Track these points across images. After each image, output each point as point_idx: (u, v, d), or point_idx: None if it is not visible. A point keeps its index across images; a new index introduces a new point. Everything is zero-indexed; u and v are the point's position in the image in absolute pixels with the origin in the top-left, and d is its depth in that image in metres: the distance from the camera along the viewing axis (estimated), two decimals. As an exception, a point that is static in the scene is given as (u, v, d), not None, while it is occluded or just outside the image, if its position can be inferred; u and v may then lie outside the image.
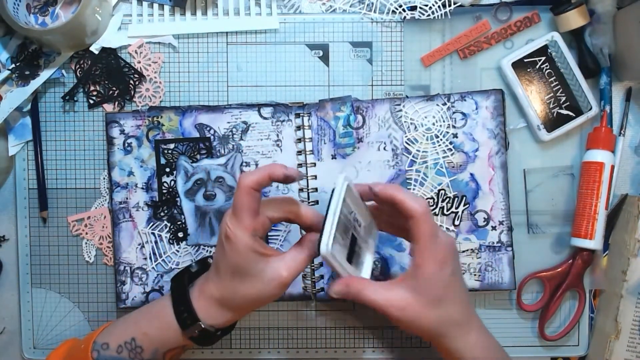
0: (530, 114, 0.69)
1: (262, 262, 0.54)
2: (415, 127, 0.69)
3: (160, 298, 0.61)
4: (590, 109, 0.68)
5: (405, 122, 0.68)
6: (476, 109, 0.68)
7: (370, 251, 0.60)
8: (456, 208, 0.68)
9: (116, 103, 0.70)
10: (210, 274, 0.58)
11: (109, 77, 0.70)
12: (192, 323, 0.56)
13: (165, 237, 0.70)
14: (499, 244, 0.68)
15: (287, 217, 0.57)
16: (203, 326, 0.56)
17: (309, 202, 0.69)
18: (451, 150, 0.68)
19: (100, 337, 0.59)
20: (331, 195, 0.53)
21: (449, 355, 0.57)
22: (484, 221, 0.68)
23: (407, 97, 0.69)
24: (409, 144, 0.69)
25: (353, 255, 0.57)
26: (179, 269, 0.69)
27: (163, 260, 0.70)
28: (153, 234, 0.69)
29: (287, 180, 0.54)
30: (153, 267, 0.69)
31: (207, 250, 0.69)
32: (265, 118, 0.69)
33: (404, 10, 0.69)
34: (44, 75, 0.69)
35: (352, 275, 0.56)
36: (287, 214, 0.57)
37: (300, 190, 0.69)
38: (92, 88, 0.70)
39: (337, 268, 0.54)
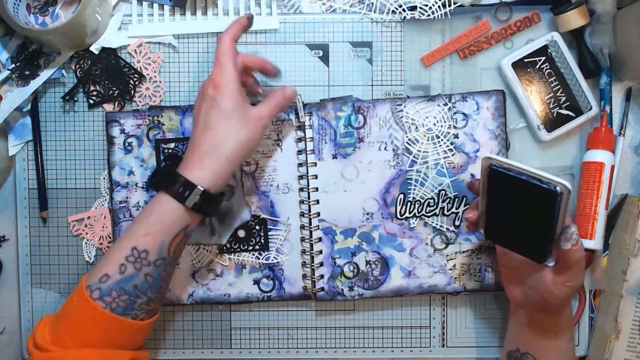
0: (530, 114, 0.69)
1: (248, 105, 0.61)
2: (416, 127, 0.69)
3: (146, 205, 0.63)
4: (590, 109, 0.69)
5: (406, 122, 0.68)
6: (477, 109, 0.68)
7: None
8: (457, 208, 0.68)
9: (116, 103, 0.70)
10: (191, 142, 0.60)
11: (109, 77, 0.70)
12: (190, 191, 0.57)
13: (166, 237, 0.69)
14: (499, 244, 0.68)
15: (258, 65, 0.65)
16: (202, 188, 0.57)
17: (309, 202, 0.69)
18: (452, 150, 0.68)
19: (92, 277, 0.57)
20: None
21: (556, 325, 0.62)
22: (484, 221, 0.69)
23: (408, 97, 0.69)
24: (409, 144, 0.69)
25: None
26: (178, 268, 0.69)
27: (163, 260, 0.69)
28: (153, 234, 0.69)
29: (249, 23, 0.64)
30: (153, 267, 0.69)
31: (207, 250, 0.69)
32: (265, 118, 0.69)
33: (404, 10, 0.69)
34: (44, 75, 0.69)
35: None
36: (259, 63, 0.65)
37: (301, 189, 0.69)
38: (92, 88, 0.70)
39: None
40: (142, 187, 0.69)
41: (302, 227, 0.69)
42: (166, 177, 0.59)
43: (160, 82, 0.70)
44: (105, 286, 0.56)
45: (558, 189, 0.52)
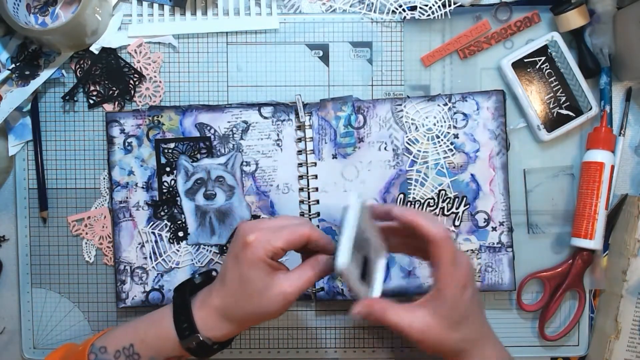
0: (530, 114, 0.69)
1: (271, 276, 0.54)
2: (416, 127, 0.69)
3: (162, 307, 0.60)
4: (590, 109, 0.69)
5: (406, 122, 0.68)
6: (477, 109, 0.68)
7: (380, 272, 0.58)
8: (457, 209, 0.69)
9: (116, 103, 0.70)
10: (214, 285, 0.57)
11: (109, 77, 0.70)
12: (190, 334, 0.55)
13: (166, 236, 0.70)
14: (499, 245, 0.69)
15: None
16: (201, 338, 0.55)
17: (309, 202, 0.69)
18: (452, 150, 0.68)
19: (99, 341, 0.58)
20: (344, 212, 0.53)
21: None
22: (484, 222, 0.69)
23: (408, 97, 0.69)
24: (409, 144, 0.69)
25: (365, 276, 0.56)
26: (179, 268, 0.69)
27: (163, 259, 0.70)
28: (153, 233, 0.69)
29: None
30: (153, 267, 0.69)
31: (207, 250, 0.69)
32: (265, 117, 0.69)
33: (404, 10, 0.69)
34: (44, 75, 0.69)
35: (374, 296, 0.54)
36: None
37: (301, 189, 0.69)
38: (92, 88, 0.70)
39: (352, 285, 0.53)
40: (142, 187, 0.69)
41: (302, 227, 0.69)
42: (179, 307, 0.57)
43: (160, 82, 0.70)
44: (100, 357, 0.57)
45: (335, 265, 0.51)
